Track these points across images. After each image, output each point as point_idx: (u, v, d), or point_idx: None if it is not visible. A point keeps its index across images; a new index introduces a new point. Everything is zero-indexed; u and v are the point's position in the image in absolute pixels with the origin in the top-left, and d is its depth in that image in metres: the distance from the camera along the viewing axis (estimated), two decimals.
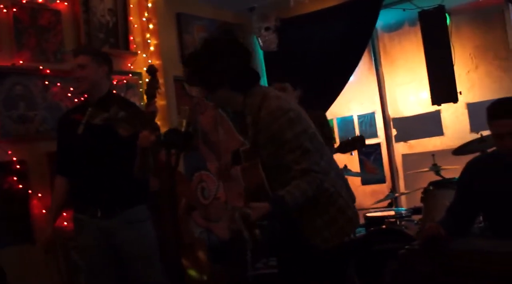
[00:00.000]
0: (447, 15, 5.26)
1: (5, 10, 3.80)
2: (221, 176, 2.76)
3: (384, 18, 5.56)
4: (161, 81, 4.69)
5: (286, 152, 2.28)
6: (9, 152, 3.72)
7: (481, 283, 2.29)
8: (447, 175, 4.28)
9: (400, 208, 5.18)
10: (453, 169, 4.05)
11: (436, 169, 4.36)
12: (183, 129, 2.35)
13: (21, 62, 3.84)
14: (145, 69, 4.61)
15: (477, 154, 3.18)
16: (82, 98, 3.63)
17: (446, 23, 5.26)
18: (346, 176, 4.89)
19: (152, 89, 3.30)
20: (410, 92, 5.72)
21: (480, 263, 2.30)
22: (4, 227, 3.64)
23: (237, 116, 2.55)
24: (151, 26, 4.83)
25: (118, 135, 2.67)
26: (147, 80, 3.35)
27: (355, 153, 5.91)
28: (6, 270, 3.50)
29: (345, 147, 4.11)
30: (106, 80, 3.12)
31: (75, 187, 3.13)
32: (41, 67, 3.94)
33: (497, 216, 2.68)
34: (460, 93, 5.23)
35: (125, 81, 4.54)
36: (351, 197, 2.54)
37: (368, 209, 4.89)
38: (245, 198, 2.46)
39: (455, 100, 5.23)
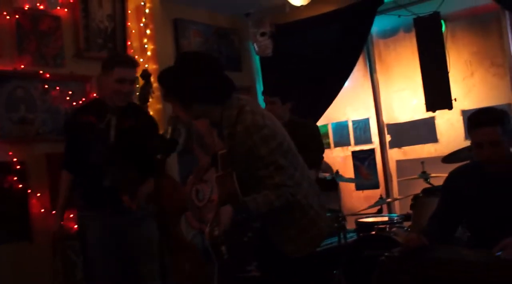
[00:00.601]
0: (442, 21, 5.41)
1: (8, 17, 4.12)
2: (196, 175, 2.98)
3: (379, 24, 5.75)
4: (157, 85, 4.98)
5: (260, 167, 2.46)
6: (10, 153, 4.04)
7: None
8: (439, 182, 4.42)
9: (392, 214, 5.35)
10: (443, 177, 4.24)
11: (425, 176, 4.57)
12: (168, 136, 2.60)
13: (22, 66, 4.16)
14: (148, 71, 4.93)
15: (466, 162, 3.27)
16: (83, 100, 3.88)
17: (442, 29, 5.41)
18: (339, 182, 5.16)
19: (145, 94, 3.58)
20: (405, 98, 5.89)
21: (457, 272, 2.42)
22: (3, 225, 3.94)
23: (215, 127, 2.71)
24: (148, 31, 5.13)
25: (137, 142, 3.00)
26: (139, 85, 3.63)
27: (349, 158, 6.22)
28: (4, 267, 3.80)
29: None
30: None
31: (84, 186, 3.33)
32: (41, 72, 4.25)
33: (477, 225, 2.83)
34: (455, 100, 5.33)
35: None
36: (323, 206, 2.74)
37: (360, 215, 5.05)
38: (218, 206, 2.63)
39: (449, 107, 5.34)
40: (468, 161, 3.27)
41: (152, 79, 3.69)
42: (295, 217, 2.56)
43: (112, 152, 3.18)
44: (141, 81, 3.75)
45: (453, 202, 2.88)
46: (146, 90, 3.60)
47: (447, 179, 3.00)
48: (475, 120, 2.68)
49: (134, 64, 3.27)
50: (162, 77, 2.60)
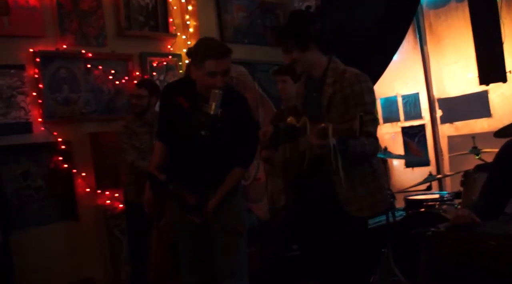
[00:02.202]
0: None
1: None
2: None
3: None
4: None
5: (359, 112, 2.43)
6: (55, 133, 4.07)
7: (504, 267, 2.32)
8: (492, 158, 4.31)
9: (443, 192, 5.21)
10: (495, 152, 4.11)
11: (476, 152, 4.44)
12: (212, 112, 2.61)
13: (64, 46, 4.18)
14: (184, 50, 4.90)
15: None
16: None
17: None
18: (388, 159, 5.04)
19: (190, 72, 3.51)
20: (456, 72, 5.66)
21: (501, 245, 2.34)
22: (50, 205, 4.02)
23: (310, 83, 2.75)
24: (190, 7, 5.08)
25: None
26: (186, 61, 3.56)
27: (398, 134, 6.05)
28: (51, 244, 3.86)
29: None
30: None
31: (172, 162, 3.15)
32: (83, 51, 4.26)
33: None
34: (510, 72, 5.14)
35: (164, 63, 4.81)
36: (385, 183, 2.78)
37: (408, 192, 4.96)
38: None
39: (504, 79, 5.15)
40: None
41: None
42: (367, 179, 2.63)
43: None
44: (185, 59, 3.72)
45: (503, 176, 2.77)
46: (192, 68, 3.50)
47: (499, 152, 2.88)
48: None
49: (225, 53, 2.81)
50: (292, 18, 2.74)
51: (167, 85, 3.30)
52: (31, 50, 4.02)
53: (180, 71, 4.90)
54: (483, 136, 4.80)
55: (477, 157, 4.48)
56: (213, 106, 2.60)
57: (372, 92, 2.60)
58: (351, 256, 2.68)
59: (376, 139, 2.58)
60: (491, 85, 5.29)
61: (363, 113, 2.38)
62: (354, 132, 2.29)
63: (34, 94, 4.02)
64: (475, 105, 5.56)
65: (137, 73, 4.58)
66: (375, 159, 2.67)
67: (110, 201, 4.27)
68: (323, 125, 2.30)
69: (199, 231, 3.02)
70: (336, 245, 2.66)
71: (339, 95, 2.58)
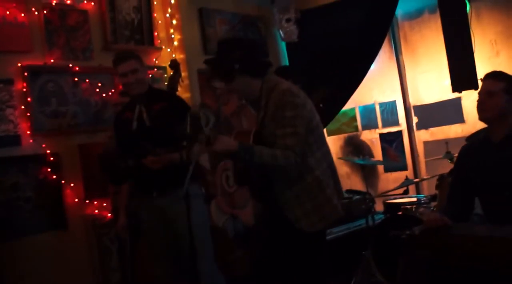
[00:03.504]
0: (466, 1, 5.23)
1: (36, 13, 4.12)
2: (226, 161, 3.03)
3: (404, 6, 5.61)
4: (185, 74, 4.96)
5: (279, 127, 2.53)
6: (43, 145, 4.06)
7: (477, 267, 2.40)
8: None
9: (420, 195, 5.29)
10: None
11: (449, 156, 4.51)
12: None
13: (52, 60, 4.17)
14: (177, 61, 4.92)
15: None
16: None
17: (466, 9, 5.23)
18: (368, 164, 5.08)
19: (174, 83, 3.59)
20: (431, 80, 5.74)
21: (476, 247, 2.42)
22: (39, 215, 3.99)
23: (253, 106, 2.80)
24: (174, 21, 5.10)
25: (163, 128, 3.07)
26: (171, 73, 3.64)
27: (377, 142, 6.10)
28: (40, 254, 3.84)
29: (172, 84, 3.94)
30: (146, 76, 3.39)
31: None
32: (70, 65, 4.25)
33: (489, 201, 2.81)
34: (481, 80, 5.25)
35: (150, 76, 4.80)
36: (339, 192, 2.76)
37: (388, 196, 4.99)
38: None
39: (475, 87, 5.16)
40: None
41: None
42: (313, 192, 2.60)
43: (146, 135, 3.24)
44: (169, 71, 3.78)
45: (465, 178, 2.87)
46: (175, 79, 3.68)
47: (458, 157, 3.01)
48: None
49: (127, 56, 3.32)
50: (216, 55, 2.73)
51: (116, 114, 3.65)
52: (19, 64, 4.02)
53: (165, 83, 4.90)
54: (457, 141, 4.83)
55: (450, 161, 4.54)
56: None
57: (296, 107, 2.55)
58: (309, 270, 2.66)
59: (295, 152, 2.52)
60: (464, 92, 5.36)
61: (280, 127, 2.52)
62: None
63: (23, 107, 4.00)
64: (449, 112, 5.64)
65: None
66: (318, 170, 2.63)
67: (99, 211, 4.25)
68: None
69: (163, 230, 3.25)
70: (295, 261, 2.66)
71: (269, 115, 2.60)
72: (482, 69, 5.22)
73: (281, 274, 2.74)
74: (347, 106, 5.97)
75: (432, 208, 4.45)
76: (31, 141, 4.01)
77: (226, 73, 2.64)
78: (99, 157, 3.82)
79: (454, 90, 5.29)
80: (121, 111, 3.52)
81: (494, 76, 2.81)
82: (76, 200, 4.17)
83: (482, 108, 2.78)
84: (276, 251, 2.74)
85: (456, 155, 4.34)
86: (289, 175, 2.58)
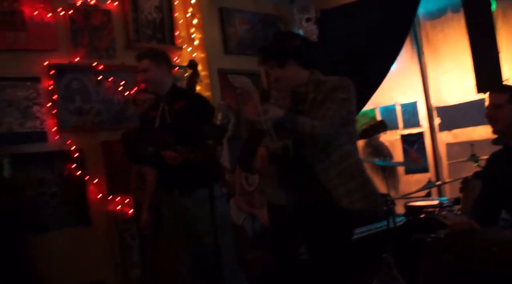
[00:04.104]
0: (492, 0, 5.24)
1: (62, 13, 4.39)
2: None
3: (426, 5, 5.67)
4: (205, 73, 5.19)
5: (328, 101, 2.70)
6: (68, 142, 4.31)
7: (503, 273, 2.42)
8: None
9: (442, 198, 5.29)
10: None
11: (474, 159, 4.55)
12: (218, 122, 2.78)
13: (77, 59, 4.42)
14: (195, 61, 5.10)
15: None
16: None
17: (491, 8, 5.25)
18: (388, 166, 5.19)
19: (193, 82, 3.78)
20: (454, 80, 5.77)
21: (502, 252, 2.44)
22: (64, 210, 4.24)
23: (295, 97, 2.94)
24: (195, 21, 5.32)
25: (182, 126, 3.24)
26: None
27: (398, 143, 6.22)
28: (64, 248, 4.06)
29: (367, 133, 4.38)
30: (168, 76, 3.56)
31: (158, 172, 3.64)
32: (94, 64, 4.51)
33: None
34: (507, 80, 5.17)
35: None
36: None
37: (409, 199, 5.07)
38: None
39: None
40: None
41: (200, 67, 3.91)
42: (354, 174, 2.81)
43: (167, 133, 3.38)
44: (188, 71, 3.98)
45: (493, 184, 2.95)
46: (194, 79, 3.82)
47: (487, 162, 3.11)
48: None
49: (141, 56, 3.52)
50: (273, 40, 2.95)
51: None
52: (45, 63, 4.28)
53: (185, 83, 5.10)
54: (481, 143, 4.89)
55: (475, 164, 4.57)
56: (219, 117, 2.77)
57: (348, 92, 2.73)
58: (341, 249, 2.82)
59: (330, 124, 2.68)
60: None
61: (329, 101, 2.68)
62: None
63: (49, 104, 4.27)
64: (473, 113, 5.60)
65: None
66: (357, 157, 2.87)
67: (121, 207, 4.49)
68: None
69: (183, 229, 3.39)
70: (338, 241, 2.82)
71: (320, 96, 2.75)
72: (508, 70, 5.24)
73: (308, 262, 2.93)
74: (367, 107, 6.06)
75: (455, 211, 4.47)
76: (56, 137, 4.27)
77: (280, 55, 2.82)
78: (122, 136, 4.00)
79: (479, 91, 5.31)
80: (147, 110, 3.71)
81: (497, 89, 3.02)
82: (99, 196, 4.40)
83: (492, 121, 2.96)
84: (310, 233, 2.91)
85: (482, 157, 4.50)
86: (332, 156, 2.77)
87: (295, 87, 2.90)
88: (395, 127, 6.24)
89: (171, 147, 3.27)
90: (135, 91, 4.46)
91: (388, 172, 5.76)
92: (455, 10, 5.68)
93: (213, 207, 2.78)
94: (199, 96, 3.80)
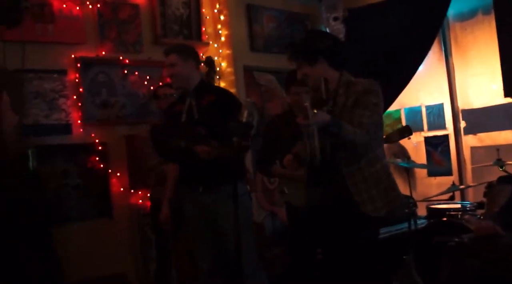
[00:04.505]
0: None
1: (90, 6, 4.36)
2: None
3: (456, 6, 5.55)
4: (231, 70, 5.13)
5: (360, 108, 2.67)
6: (92, 134, 4.30)
7: None
8: None
9: (465, 202, 5.19)
10: None
11: (500, 164, 4.45)
12: (244, 120, 2.72)
13: (103, 53, 4.40)
14: (216, 58, 5.06)
15: None
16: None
17: None
18: (411, 168, 5.12)
19: (209, 79, 3.75)
20: (481, 84, 5.67)
21: None
22: (86, 202, 4.23)
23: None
24: (222, 17, 5.26)
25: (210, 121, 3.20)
26: (217, 69, 3.77)
27: (421, 144, 6.11)
28: (86, 240, 4.05)
29: (392, 137, 4.32)
30: (196, 72, 3.49)
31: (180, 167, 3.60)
32: (121, 58, 4.48)
33: None
34: None
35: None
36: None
37: (431, 201, 4.95)
38: None
39: None
40: None
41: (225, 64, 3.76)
42: (381, 178, 2.76)
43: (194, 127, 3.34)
44: (204, 68, 3.96)
45: None
46: (210, 75, 3.79)
47: None
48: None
49: (169, 50, 3.49)
50: (307, 37, 2.94)
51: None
52: (72, 56, 4.26)
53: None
54: (507, 148, 4.82)
55: (501, 169, 4.48)
56: (245, 114, 2.72)
57: (379, 97, 2.71)
58: (365, 254, 2.78)
59: (368, 130, 2.65)
60: None
61: (362, 108, 2.64)
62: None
63: (75, 97, 4.25)
64: (499, 117, 5.53)
65: None
66: (385, 160, 2.82)
67: (143, 201, 4.47)
68: (305, 104, 2.47)
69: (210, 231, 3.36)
70: (354, 244, 2.77)
71: (351, 99, 2.71)
72: None
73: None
74: (392, 108, 5.96)
75: (478, 215, 4.38)
76: (81, 130, 4.26)
77: (312, 53, 2.78)
78: (150, 131, 3.96)
79: (506, 95, 5.16)
80: (172, 104, 3.66)
81: None
82: (122, 189, 4.38)
83: None
84: (338, 232, 2.83)
85: (508, 162, 4.43)
86: (361, 161, 2.73)
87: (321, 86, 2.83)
88: (420, 129, 6.14)
89: (204, 140, 3.21)
90: (158, 85, 4.42)
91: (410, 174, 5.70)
92: (486, 12, 5.56)
93: (236, 204, 2.70)
94: (227, 92, 3.75)
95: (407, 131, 4.32)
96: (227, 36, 5.26)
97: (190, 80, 3.44)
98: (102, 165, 4.31)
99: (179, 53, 3.45)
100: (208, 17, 5.21)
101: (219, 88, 3.69)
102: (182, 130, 3.37)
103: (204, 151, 3.20)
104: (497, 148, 4.65)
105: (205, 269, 3.45)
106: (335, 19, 5.61)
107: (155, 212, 4.06)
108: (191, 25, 5.05)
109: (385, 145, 6.17)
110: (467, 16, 5.80)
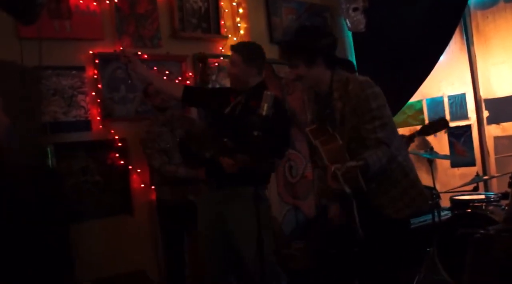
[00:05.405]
0: None
1: (107, 1, 4.12)
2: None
3: None
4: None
5: (367, 120, 2.48)
6: (112, 131, 4.07)
7: None
8: None
9: (489, 193, 5.01)
10: None
11: None
12: (264, 113, 2.54)
13: (121, 48, 4.16)
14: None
15: None
16: None
17: None
18: (434, 159, 4.90)
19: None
20: (504, 72, 5.42)
21: None
22: (106, 199, 4.02)
23: (319, 99, 2.70)
24: (241, 10, 4.99)
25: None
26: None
27: (440, 134, 5.82)
28: (106, 237, 3.89)
29: (428, 130, 4.05)
30: (255, 74, 3.23)
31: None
32: (139, 53, 4.22)
33: None
34: None
35: (216, 64, 4.74)
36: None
37: (455, 192, 4.76)
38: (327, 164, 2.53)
39: None
40: None
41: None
42: (397, 178, 2.56)
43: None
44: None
45: None
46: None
47: None
48: None
49: (232, 47, 3.30)
50: (299, 32, 2.71)
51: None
52: (90, 52, 4.03)
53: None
54: None
55: None
56: (265, 107, 2.55)
57: (378, 97, 2.52)
58: (393, 258, 2.61)
59: (387, 143, 2.49)
60: None
61: (369, 121, 2.45)
62: (360, 184, 2.30)
63: (93, 93, 4.02)
64: None
65: (190, 74, 4.54)
66: (400, 156, 2.60)
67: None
68: (333, 169, 2.29)
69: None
70: (380, 249, 2.58)
71: (349, 107, 2.53)
72: None
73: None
74: (414, 98, 5.74)
75: (502, 206, 4.24)
76: (100, 126, 4.03)
77: (310, 56, 2.57)
78: (181, 139, 3.79)
79: None
80: (229, 90, 3.39)
81: None
82: (142, 185, 4.17)
83: None
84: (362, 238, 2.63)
85: None
86: None
87: (317, 88, 2.66)
88: None
89: (230, 153, 3.00)
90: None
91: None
92: (508, 0, 5.31)
93: (258, 210, 2.53)
94: (279, 103, 3.27)
95: (443, 123, 4.01)
96: (246, 29, 5.00)
97: (246, 82, 3.20)
98: (122, 162, 4.07)
99: (240, 52, 3.21)
100: (226, 10, 4.93)
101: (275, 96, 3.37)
102: (211, 141, 3.20)
103: (228, 164, 3.00)
104: None
105: (209, 270, 3.26)
106: (355, 9, 5.34)
107: (162, 212, 3.90)
108: (210, 19, 4.78)
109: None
110: (489, 4, 5.56)
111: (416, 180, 2.63)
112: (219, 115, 3.25)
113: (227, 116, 3.17)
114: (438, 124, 4.00)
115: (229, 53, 4.79)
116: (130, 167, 4.13)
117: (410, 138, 3.80)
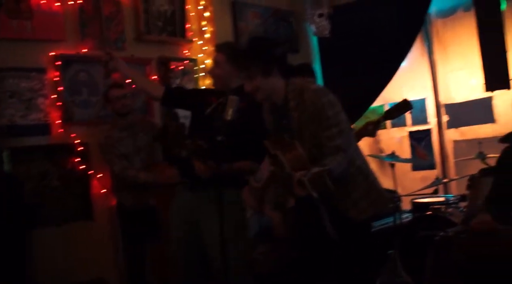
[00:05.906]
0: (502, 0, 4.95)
1: (71, 2, 3.92)
2: None
3: (438, 3, 5.35)
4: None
5: (324, 128, 2.41)
6: (72, 135, 3.88)
7: None
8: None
9: (448, 195, 5.03)
10: None
11: (482, 157, 4.29)
12: (228, 118, 2.45)
13: (84, 50, 3.98)
14: (200, 55, 4.71)
15: None
16: None
17: (501, 8, 4.95)
18: (395, 162, 4.87)
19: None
20: (462, 78, 5.46)
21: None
22: (66, 204, 3.83)
23: (274, 110, 2.60)
24: (207, 14, 4.84)
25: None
26: (202, 66, 3.39)
27: (402, 138, 5.85)
28: (66, 243, 3.70)
29: (392, 113, 3.91)
30: (238, 78, 2.96)
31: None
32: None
33: None
34: None
35: (181, 68, 4.60)
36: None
37: (415, 195, 4.74)
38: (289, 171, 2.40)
39: (508, 86, 4.93)
40: None
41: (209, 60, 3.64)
42: (357, 181, 2.53)
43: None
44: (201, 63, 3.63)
45: (507, 182, 2.75)
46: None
47: (499, 161, 2.94)
48: None
49: (217, 48, 3.17)
50: (255, 42, 2.62)
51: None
52: (52, 53, 3.83)
53: (195, 76, 4.70)
54: (488, 141, 4.61)
55: (482, 161, 4.31)
56: (230, 112, 2.46)
57: (334, 105, 2.44)
58: (357, 260, 2.56)
59: (345, 149, 2.42)
60: (496, 91, 5.06)
61: (326, 128, 2.39)
62: (328, 186, 2.21)
63: (54, 96, 3.82)
64: (480, 111, 5.37)
65: (155, 77, 4.38)
66: (358, 160, 2.57)
67: None
68: (298, 178, 2.18)
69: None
70: (344, 252, 2.51)
71: (305, 115, 2.45)
72: None
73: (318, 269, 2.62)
74: (376, 103, 5.65)
75: (461, 208, 4.26)
76: (60, 130, 3.84)
77: (267, 66, 2.45)
78: (158, 132, 3.66)
79: (487, 90, 5.02)
80: (211, 91, 3.25)
81: None
82: (103, 191, 3.99)
83: None
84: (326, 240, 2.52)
85: (489, 155, 4.19)
86: None
87: (273, 98, 2.53)
88: (404, 123, 5.90)
89: (204, 155, 2.82)
90: (107, 86, 3.90)
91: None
92: (467, 9, 5.33)
93: (221, 211, 2.46)
94: (257, 108, 3.30)
95: (406, 105, 3.85)
96: (211, 33, 4.86)
97: (230, 83, 3.03)
98: (82, 166, 3.89)
99: (225, 53, 3.03)
100: (192, 14, 4.78)
101: (254, 101, 3.25)
102: (187, 141, 2.96)
103: (200, 169, 2.84)
104: (479, 142, 4.49)
105: (179, 272, 3.09)
106: (320, 15, 5.27)
107: (123, 217, 3.75)
108: (175, 22, 4.62)
109: (371, 141, 6.02)
110: (449, 12, 5.59)
111: (375, 182, 2.62)
112: (198, 116, 3.13)
113: (206, 117, 3.03)
114: (401, 106, 3.85)
115: (195, 57, 4.75)
116: (91, 172, 3.94)
117: (376, 123, 3.70)
